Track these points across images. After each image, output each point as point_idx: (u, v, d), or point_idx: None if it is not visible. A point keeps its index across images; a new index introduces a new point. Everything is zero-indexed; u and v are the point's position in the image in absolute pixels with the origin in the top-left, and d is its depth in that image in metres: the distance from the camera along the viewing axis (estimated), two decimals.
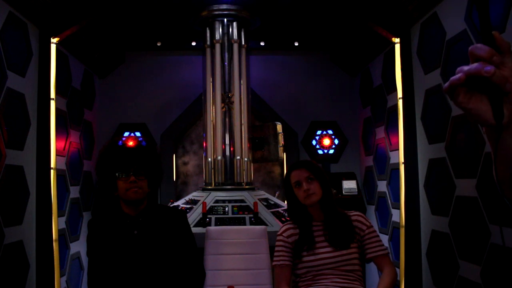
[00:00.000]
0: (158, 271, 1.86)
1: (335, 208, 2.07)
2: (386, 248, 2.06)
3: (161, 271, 1.87)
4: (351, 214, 2.10)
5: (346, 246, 1.99)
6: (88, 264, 1.98)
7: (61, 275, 3.02)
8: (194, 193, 3.46)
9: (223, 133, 3.46)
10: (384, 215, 3.68)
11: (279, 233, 2.12)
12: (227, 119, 3.51)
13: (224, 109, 3.49)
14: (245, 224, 2.91)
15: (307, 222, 2.06)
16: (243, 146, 3.47)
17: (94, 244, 1.91)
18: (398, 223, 3.15)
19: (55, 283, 2.81)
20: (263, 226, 2.69)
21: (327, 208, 2.05)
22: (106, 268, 1.85)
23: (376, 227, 3.72)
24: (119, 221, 1.92)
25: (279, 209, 3.22)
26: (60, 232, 3.01)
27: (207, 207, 3.02)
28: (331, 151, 4.38)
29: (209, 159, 3.47)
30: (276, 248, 2.09)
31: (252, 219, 2.96)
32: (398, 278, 3.17)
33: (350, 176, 4.07)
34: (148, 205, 1.95)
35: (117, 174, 1.88)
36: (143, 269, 1.84)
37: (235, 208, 3.09)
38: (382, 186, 3.69)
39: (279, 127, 3.59)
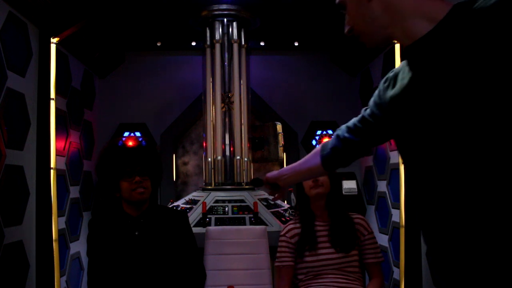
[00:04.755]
0: (159, 272, 1.86)
1: (343, 210, 2.08)
2: (382, 257, 2.08)
3: (162, 272, 1.87)
4: (354, 217, 2.11)
5: (349, 249, 2.00)
6: (88, 264, 1.97)
7: (61, 275, 3.02)
8: (194, 193, 3.46)
9: (223, 133, 3.46)
10: (384, 215, 3.67)
11: (282, 233, 2.12)
12: (227, 119, 3.51)
13: (224, 109, 3.49)
14: (245, 224, 2.91)
15: (310, 220, 2.07)
16: (243, 146, 3.47)
17: (95, 244, 1.91)
18: (398, 223, 3.15)
19: (55, 283, 2.81)
20: (263, 226, 2.69)
21: (333, 208, 2.06)
22: (107, 268, 1.85)
23: (376, 227, 3.73)
24: (120, 222, 1.92)
25: (279, 209, 3.22)
26: (60, 232, 3.01)
27: (207, 207, 3.02)
28: None
29: (209, 159, 3.47)
30: (279, 249, 2.09)
31: (252, 219, 2.96)
32: (398, 278, 3.18)
33: (350, 176, 4.06)
34: (149, 206, 1.96)
35: (120, 175, 1.87)
36: (144, 270, 1.84)
37: (235, 208, 3.09)
38: (382, 186, 3.69)
39: (279, 127, 3.59)
